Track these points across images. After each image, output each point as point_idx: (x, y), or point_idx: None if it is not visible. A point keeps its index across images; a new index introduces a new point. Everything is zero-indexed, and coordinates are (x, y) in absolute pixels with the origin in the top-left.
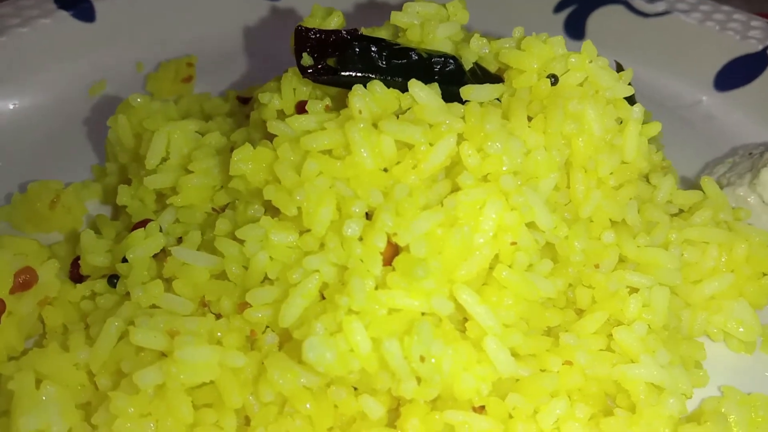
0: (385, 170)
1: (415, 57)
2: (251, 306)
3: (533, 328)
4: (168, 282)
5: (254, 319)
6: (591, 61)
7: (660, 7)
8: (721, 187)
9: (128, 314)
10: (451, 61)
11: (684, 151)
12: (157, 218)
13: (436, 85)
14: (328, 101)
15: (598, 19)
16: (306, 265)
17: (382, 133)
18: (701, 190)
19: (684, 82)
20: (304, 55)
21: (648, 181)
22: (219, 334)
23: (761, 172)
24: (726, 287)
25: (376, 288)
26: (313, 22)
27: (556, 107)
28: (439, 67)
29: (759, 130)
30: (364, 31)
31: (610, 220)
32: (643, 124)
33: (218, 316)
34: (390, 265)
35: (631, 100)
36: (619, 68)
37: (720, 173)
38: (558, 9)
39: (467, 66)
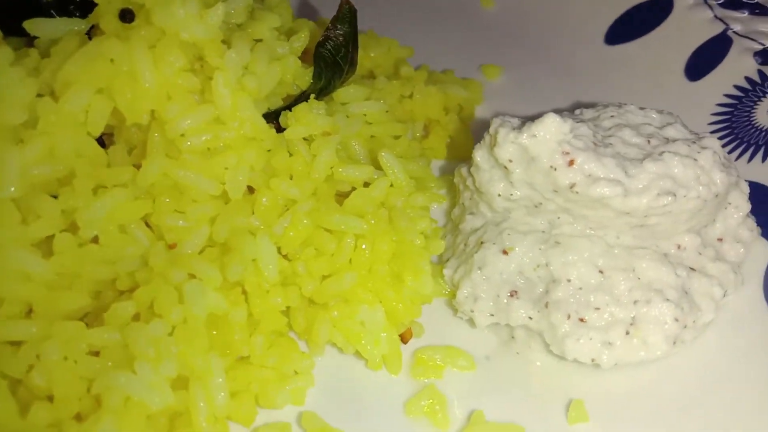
0: None
1: None
2: None
3: None
4: None
5: None
6: None
7: None
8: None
9: None
10: None
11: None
12: None
13: None
14: None
15: None
16: None
17: None
18: None
19: (578, 28)
20: None
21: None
22: None
23: (475, 150)
24: (352, 287)
25: None
26: None
27: (84, 52)
28: None
29: (626, 92)
30: None
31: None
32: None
33: None
34: None
35: None
36: None
37: None
38: None
39: None
